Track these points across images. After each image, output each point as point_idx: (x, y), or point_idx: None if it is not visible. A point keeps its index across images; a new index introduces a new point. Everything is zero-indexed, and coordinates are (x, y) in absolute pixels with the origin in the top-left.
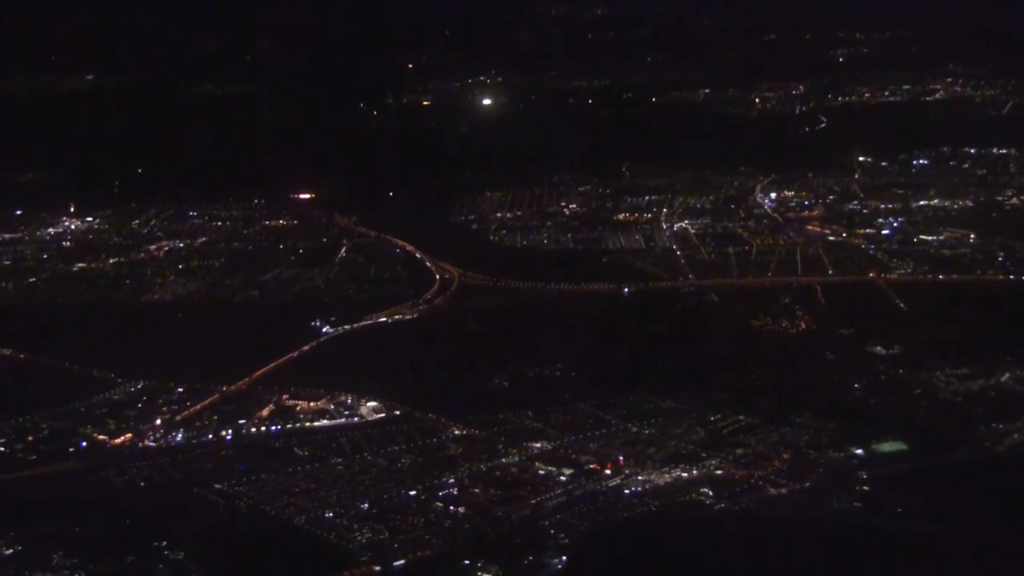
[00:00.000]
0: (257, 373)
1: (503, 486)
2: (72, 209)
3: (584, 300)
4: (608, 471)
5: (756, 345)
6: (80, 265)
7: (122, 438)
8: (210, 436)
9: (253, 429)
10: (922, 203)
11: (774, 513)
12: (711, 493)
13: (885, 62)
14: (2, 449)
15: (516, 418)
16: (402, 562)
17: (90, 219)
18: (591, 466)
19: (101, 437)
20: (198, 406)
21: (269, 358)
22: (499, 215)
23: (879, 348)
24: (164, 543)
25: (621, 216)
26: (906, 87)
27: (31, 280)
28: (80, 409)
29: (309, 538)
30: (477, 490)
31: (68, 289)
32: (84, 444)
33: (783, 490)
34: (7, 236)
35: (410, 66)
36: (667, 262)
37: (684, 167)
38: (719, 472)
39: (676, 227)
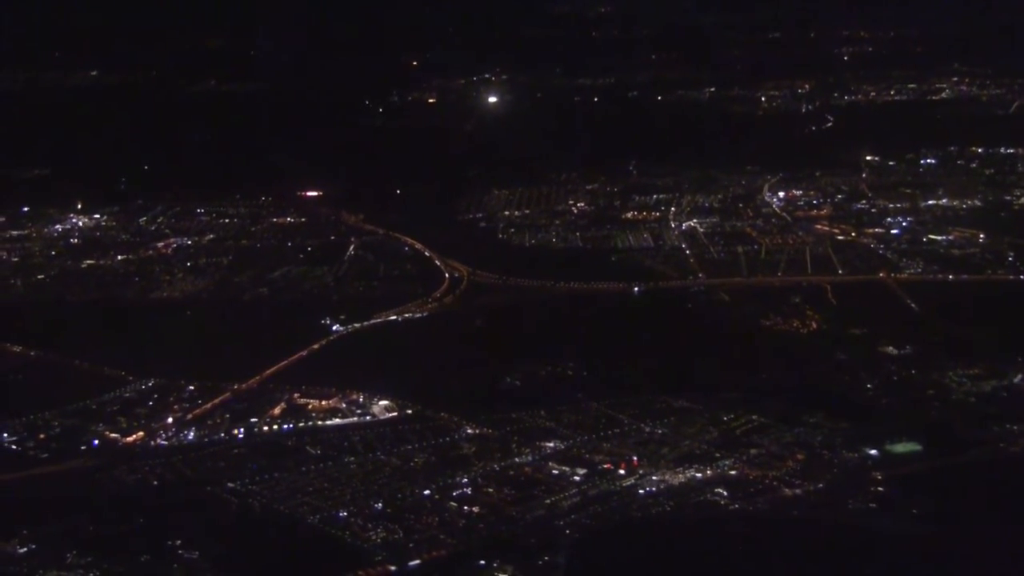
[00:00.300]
0: (268, 371)
1: (517, 486)
2: (79, 206)
3: (594, 299)
4: (622, 471)
5: (767, 344)
6: (88, 262)
7: (134, 436)
8: (222, 434)
9: (265, 428)
10: (930, 202)
11: (788, 514)
12: (725, 493)
13: (890, 61)
14: (13, 447)
15: (529, 417)
16: (417, 561)
17: (97, 216)
18: (605, 466)
19: (112, 435)
20: (209, 404)
21: (279, 356)
22: (507, 213)
23: (891, 348)
24: (178, 542)
25: (629, 215)
26: (912, 86)
27: (39, 277)
28: (91, 407)
29: (323, 537)
30: (491, 489)
31: (77, 286)
32: (96, 442)
33: (797, 491)
34: (14, 233)
35: (414, 64)
36: (676, 261)
37: (691, 166)
38: (733, 472)
39: (684, 226)
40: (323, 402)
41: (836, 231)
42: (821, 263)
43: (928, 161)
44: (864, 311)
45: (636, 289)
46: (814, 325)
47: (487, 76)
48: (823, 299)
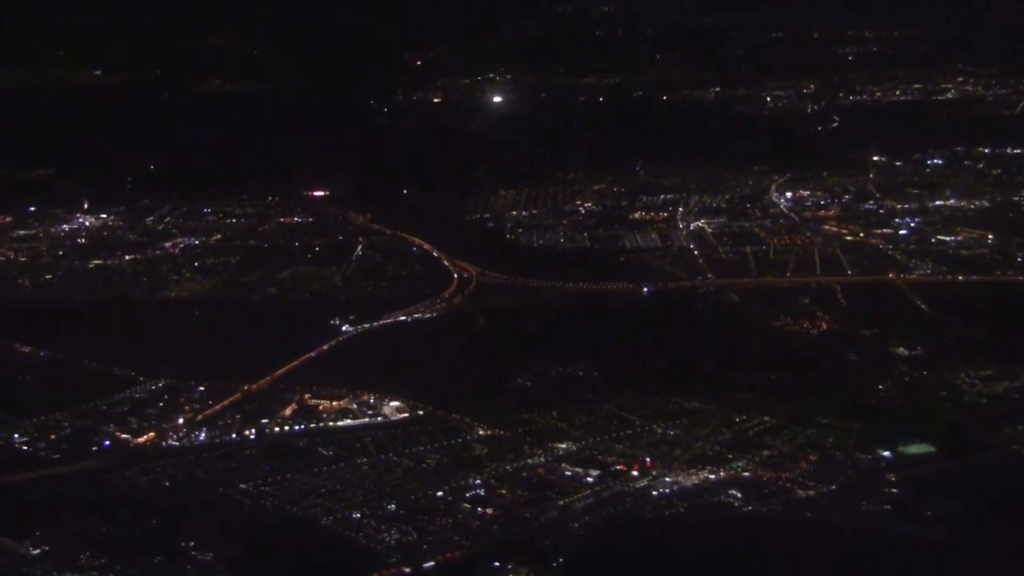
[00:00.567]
0: (278, 372)
1: (530, 487)
2: (85, 206)
3: (603, 299)
4: (635, 472)
5: (778, 345)
6: (96, 262)
7: (145, 437)
8: (233, 435)
9: (276, 428)
10: (938, 203)
11: (803, 516)
12: (739, 495)
13: (894, 61)
14: (25, 448)
15: (540, 418)
16: (432, 563)
17: (104, 216)
18: (618, 467)
19: (124, 436)
20: (220, 405)
21: (289, 356)
22: (514, 213)
23: (901, 349)
24: (191, 543)
25: (637, 215)
26: (917, 86)
27: (47, 277)
28: (101, 407)
29: (337, 539)
30: (504, 491)
31: (85, 286)
32: (107, 443)
33: (811, 492)
34: (21, 233)
35: (418, 63)
36: (685, 261)
37: (698, 166)
38: (746, 474)
39: (693, 226)
40: (334, 403)
41: (844, 231)
42: (830, 264)
43: (935, 161)
44: (874, 312)
45: (645, 290)
46: (824, 326)
47: (491, 76)
48: (833, 300)
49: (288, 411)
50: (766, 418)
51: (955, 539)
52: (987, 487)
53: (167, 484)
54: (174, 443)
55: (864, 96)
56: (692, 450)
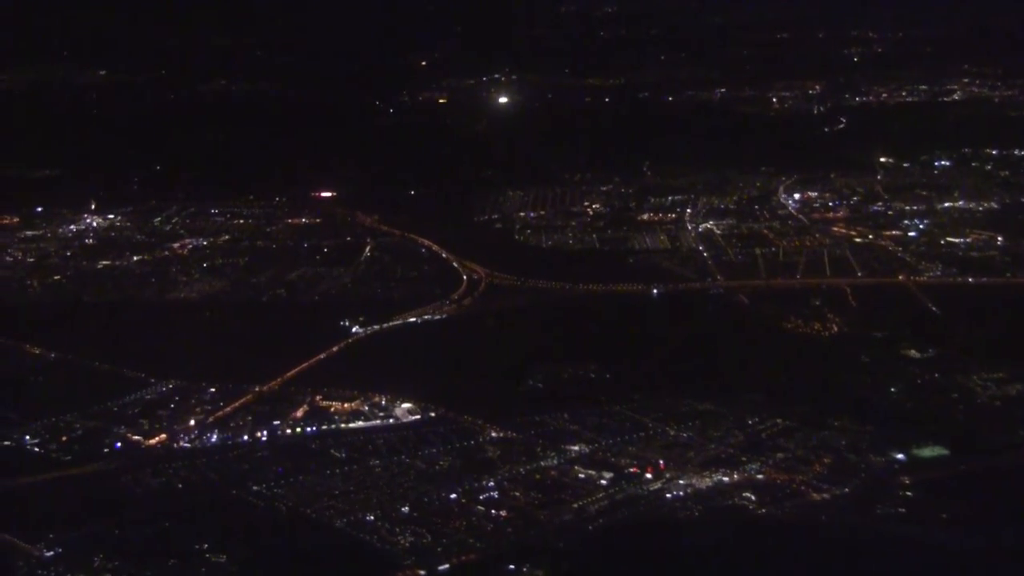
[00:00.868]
0: (289, 373)
1: (543, 489)
2: (92, 206)
3: (613, 301)
4: (649, 475)
5: (789, 347)
6: (104, 263)
7: (156, 438)
8: (245, 437)
9: (288, 430)
10: (947, 205)
11: (817, 519)
12: (753, 498)
13: (900, 62)
14: (37, 449)
15: (552, 420)
16: (447, 566)
17: (111, 216)
18: (631, 470)
19: (135, 437)
20: (231, 406)
21: (300, 358)
22: (522, 214)
23: (913, 351)
24: (205, 545)
25: (645, 216)
26: (923, 87)
27: (56, 278)
28: (112, 409)
29: (352, 541)
30: (518, 493)
31: (94, 287)
32: (118, 444)
33: (825, 495)
34: (29, 233)
35: (422, 63)
36: (694, 263)
37: (705, 167)
38: (760, 476)
39: (701, 228)
40: (346, 404)
41: (853, 233)
42: (840, 265)
43: (942, 163)
44: (885, 314)
45: (655, 291)
46: (835, 328)
47: (496, 76)
48: (843, 302)
49: (300, 413)
50: (779, 420)
51: (970, 542)
52: (1002, 490)
53: (180, 486)
54: (186, 445)
55: (870, 97)
56: (705, 452)
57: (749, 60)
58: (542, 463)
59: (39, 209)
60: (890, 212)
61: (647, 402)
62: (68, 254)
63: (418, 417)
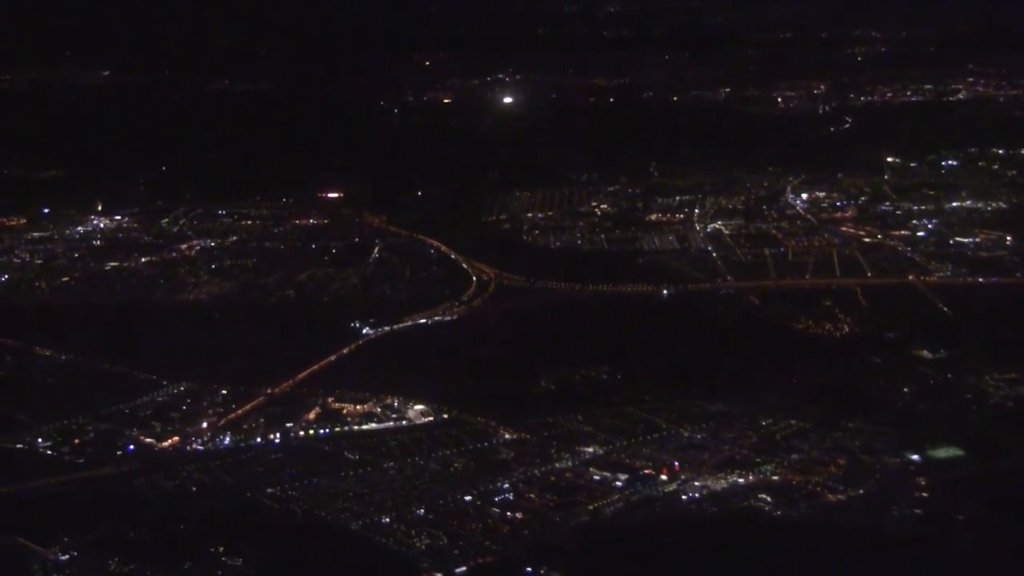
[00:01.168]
0: (300, 375)
1: (559, 491)
2: (99, 207)
3: (623, 302)
4: (664, 476)
5: (801, 348)
6: (112, 264)
7: (169, 441)
8: (258, 439)
9: (301, 432)
10: (954, 204)
11: (834, 521)
12: (769, 499)
13: (903, 61)
14: (49, 452)
15: (566, 421)
16: (464, 568)
17: (118, 217)
18: (646, 471)
19: (148, 440)
20: (244, 409)
21: (311, 359)
22: (530, 215)
23: (925, 352)
24: (221, 548)
25: (653, 216)
26: (928, 87)
27: (64, 279)
28: (124, 411)
29: (368, 544)
30: (533, 495)
31: (102, 288)
32: (131, 447)
33: (841, 497)
34: (36, 235)
35: (426, 64)
36: (703, 263)
37: (712, 167)
38: (775, 478)
39: (710, 228)
40: (358, 406)
41: (862, 233)
42: (849, 266)
43: (949, 162)
44: (896, 314)
45: (665, 292)
46: (846, 328)
47: (500, 76)
48: (854, 302)
49: (312, 415)
50: (792, 421)
51: (987, 544)
52: (1019, 491)
53: (194, 489)
54: (199, 447)
55: (875, 97)
56: (720, 454)
57: (753, 60)
58: (556, 465)
59: (45, 210)
60: (898, 212)
61: (660, 403)
62: (76, 255)
63: (431, 419)
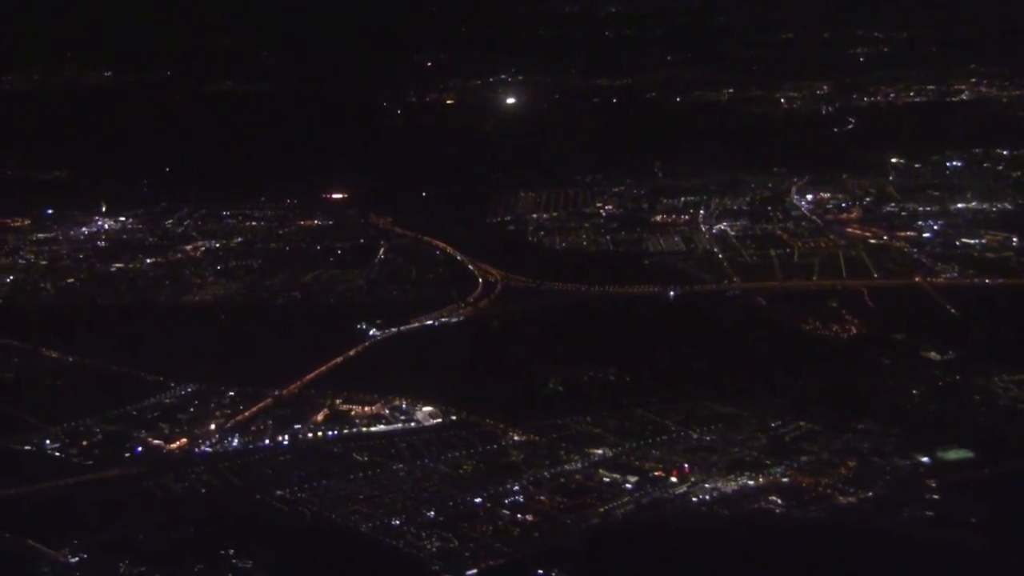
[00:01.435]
0: (308, 377)
1: (569, 493)
2: (103, 208)
3: (630, 303)
4: (674, 478)
5: (808, 349)
6: (117, 265)
7: (177, 443)
8: (266, 441)
9: (310, 434)
10: (960, 205)
11: (846, 522)
12: (780, 501)
13: (906, 62)
14: (58, 454)
15: (575, 423)
16: (474, 571)
17: (122, 218)
18: (656, 473)
19: (156, 442)
20: (251, 410)
21: (318, 361)
22: (535, 216)
23: (933, 353)
24: (231, 551)
25: (658, 217)
26: (931, 87)
27: (70, 280)
28: (132, 413)
29: (378, 546)
30: (543, 497)
31: (108, 289)
32: (139, 449)
33: (852, 499)
34: (41, 236)
35: (428, 64)
36: (710, 265)
37: (716, 167)
38: (786, 480)
39: (715, 229)
40: (366, 408)
41: (868, 234)
42: (855, 267)
43: (953, 163)
44: (903, 315)
45: (672, 293)
46: (854, 330)
47: (503, 77)
48: (861, 303)
49: (320, 417)
50: (801, 423)
51: (1000, 545)
52: None
53: (203, 491)
54: (207, 449)
55: (878, 97)
56: (729, 455)
57: (755, 60)
58: (566, 467)
59: (49, 211)
60: (903, 213)
61: (668, 405)
62: (81, 256)
63: (439, 421)
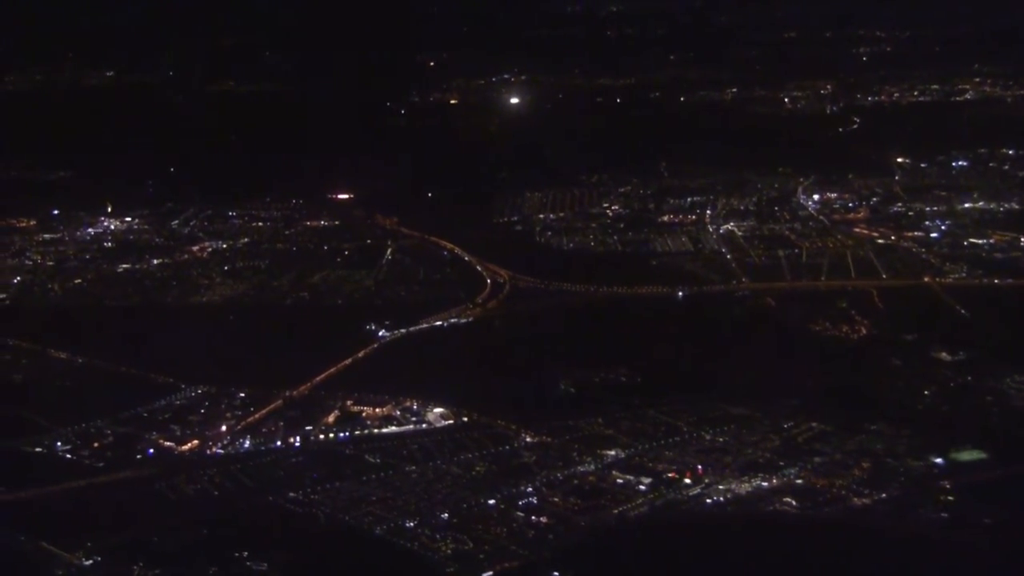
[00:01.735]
0: (318, 378)
1: (583, 495)
2: (109, 209)
3: (638, 304)
4: (688, 480)
5: (819, 350)
6: (124, 266)
7: (189, 444)
8: (278, 443)
9: (321, 436)
10: (967, 205)
11: (861, 524)
12: (794, 503)
13: (910, 61)
14: (69, 456)
15: (587, 425)
16: (490, 573)
17: (128, 219)
18: (670, 475)
19: (167, 443)
20: (262, 412)
21: (328, 362)
22: (542, 216)
23: (944, 354)
24: (245, 553)
25: (665, 218)
26: (935, 87)
27: (77, 281)
28: (143, 414)
29: (392, 548)
30: (557, 499)
31: (115, 290)
32: (151, 451)
33: (866, 500)
34: (47, 236)
35: (431, 64)
36: (718, 265)
37: (722, 167)
38: (799, 481)
39: (722, 229)
40: (377, 409)
41: (875, 234)
42: (864, 267)
43: (959, 163)
44: (913, 316)
45: (680, 294)
46: (864, 330)
47: (506, 77)
48: (870, 304)
49: (331, 418)
50: (814, 424)
51: (1014, 547)
52: None
53: (216, 493)
54: (219, 451)
55: (882, 97)
56: (743, 457)
57: (758, 60)
58: (579, 468)
59: (55, 212)
60: (910, 213)
61: (680, 406)
62: (87, 257)
63: (451, 422)
